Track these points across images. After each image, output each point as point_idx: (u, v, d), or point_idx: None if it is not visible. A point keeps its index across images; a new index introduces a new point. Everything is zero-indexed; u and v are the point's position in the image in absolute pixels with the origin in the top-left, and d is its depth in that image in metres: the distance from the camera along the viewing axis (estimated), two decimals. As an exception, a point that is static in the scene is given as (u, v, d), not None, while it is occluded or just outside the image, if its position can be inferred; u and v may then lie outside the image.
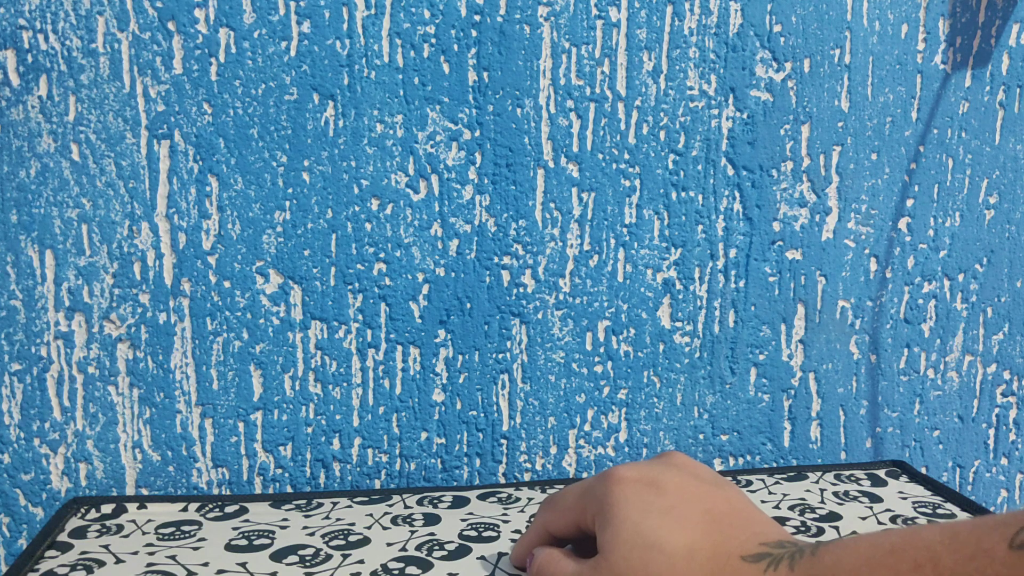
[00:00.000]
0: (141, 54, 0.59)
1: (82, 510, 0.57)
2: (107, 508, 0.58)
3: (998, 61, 0.68)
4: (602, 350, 0.66)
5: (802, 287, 0.68)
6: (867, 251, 0.68)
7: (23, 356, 0.61)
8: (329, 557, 0.50)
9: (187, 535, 0.54)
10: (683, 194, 0.65)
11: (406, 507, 0.58)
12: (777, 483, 0.62)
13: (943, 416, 0.71)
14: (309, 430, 0.64)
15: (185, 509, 0.58)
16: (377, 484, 0.66)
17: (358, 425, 0.64)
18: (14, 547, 0.62)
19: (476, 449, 0.66)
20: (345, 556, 0.51)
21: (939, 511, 0.57)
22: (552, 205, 0.64)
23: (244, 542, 0.53)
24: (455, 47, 0.62)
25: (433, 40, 0.61)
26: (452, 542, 0.52)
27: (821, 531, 0.54)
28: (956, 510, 0.57)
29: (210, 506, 0.58)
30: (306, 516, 0.57)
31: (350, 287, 0.63)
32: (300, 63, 0.60)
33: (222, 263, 0.61)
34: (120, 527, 0.55)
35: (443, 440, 0.66)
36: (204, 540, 0.53)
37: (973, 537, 0.32)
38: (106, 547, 0.52)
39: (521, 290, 0.64)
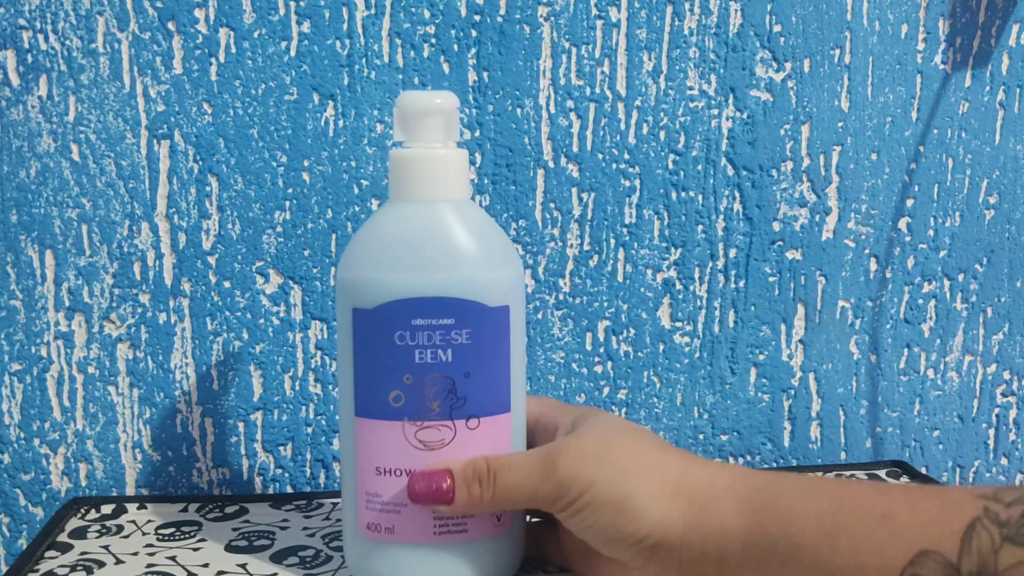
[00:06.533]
0: (141, 54, 0.59)
1: (82, 510, 0.57)
2: (107, 508, 0.58)
3: (998, 61, 0.68)
4: (602, 350, 0.66)
5: (802, 287, 0.68)
6: (867, 251, 0.68)
7: (23, 356, 0.61)
8: (330, 558, 0.50)
9: (187, 535, 0.54)
10: (683, 194, 0.65)
11: (406, 507, 0.58)
12: (777, 483, 0.62)
13: (943, 416, 0.71)
14: (309, 430, 0.64)
15: (185, 509, 0.58)
16: (377, 484, 0.66)
17: (358, 425, 0.64)
18: (14, 547, 0.62)
19: (476, 449, 0.66)
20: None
21: (939, 511, 0.57)
22: (552, 205, 0.64)
23: (244, 543, 0.53)
24: (455, 47, 0.62)
25: (433, 40, 0.61)
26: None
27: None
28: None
29: (210, 506, 0.58)
30: (306, 517, 0.57)
31: (350, 287, 0.63)
32: (300, 63, 0.60)
33: (222, 263, 0.61)
34: (120, 527, 0.55)
35: (443, 440, 0.66)
36: (204, 541, 0.53)
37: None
38: (106, 547, 0.52)
39: (521, 290, 0.64)
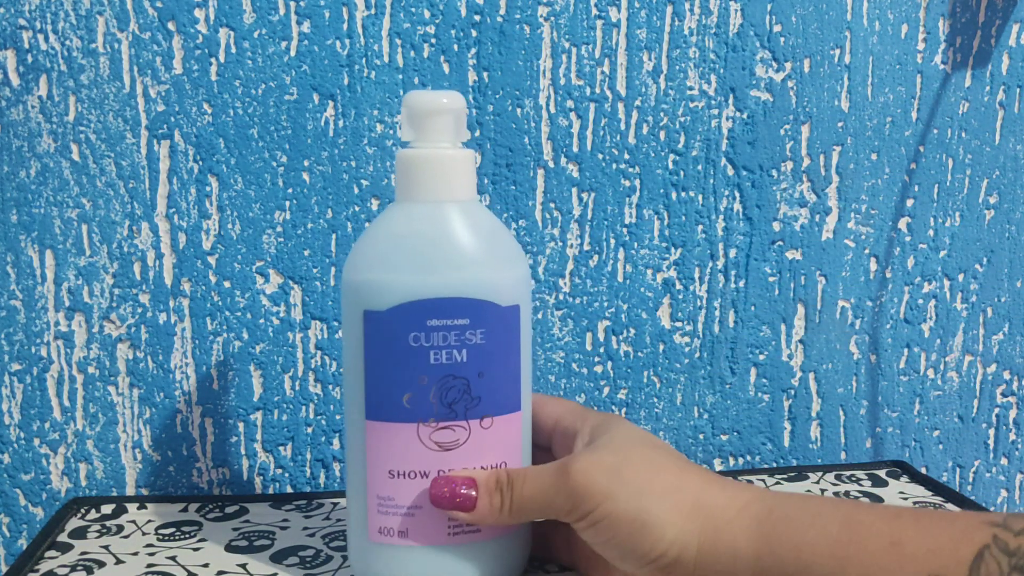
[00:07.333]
0: (141, 54, 0.59)
1: (82, 510, 0.57)
2: (107, 508, 0.58)
3: (998, 61, 0.68)
4: (602, 350, 0.66)
5: (802, 287, 0.68)
6: (867, 251, 0.68)
7: (23, 356, 0.61)
8: (330, 558, 0.50)
9: (187, 535, 0.54)
10: (683, 194, 0.65)
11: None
12: (778, 483, 0.62)
13: (943, 416, 0.71)
14: (309, 430, 0.64)
15: (185, 509, 0.58)
16: (377, 484, 0.66)
17: (358, 425, 0.64)
18: (14, 547, 0.62)
19: (476, 449, 0.66)
20: (346, 557, 0.51)
21: (939, 511, 0.57)
22: (552, 205, 0.64)
23: (244, 543, 0.53)
24: (455, 47, 0.62)
25: (433, 40, 0.61)
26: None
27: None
28: (957, 511, 0.57)
29: (210, 506, 0.58)
30: (306, 517, 0.57)
31: (350, 287, 0.63)
32: (300, 63, 0.60)
33: (222, 263, 0.61)
34: (120, 527, 0.55)
35: (443, 440, 0.66)
36: (204, 541, 0.53)
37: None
38: (106, 547, 0.52)
39: (521, 290, 0.64)
